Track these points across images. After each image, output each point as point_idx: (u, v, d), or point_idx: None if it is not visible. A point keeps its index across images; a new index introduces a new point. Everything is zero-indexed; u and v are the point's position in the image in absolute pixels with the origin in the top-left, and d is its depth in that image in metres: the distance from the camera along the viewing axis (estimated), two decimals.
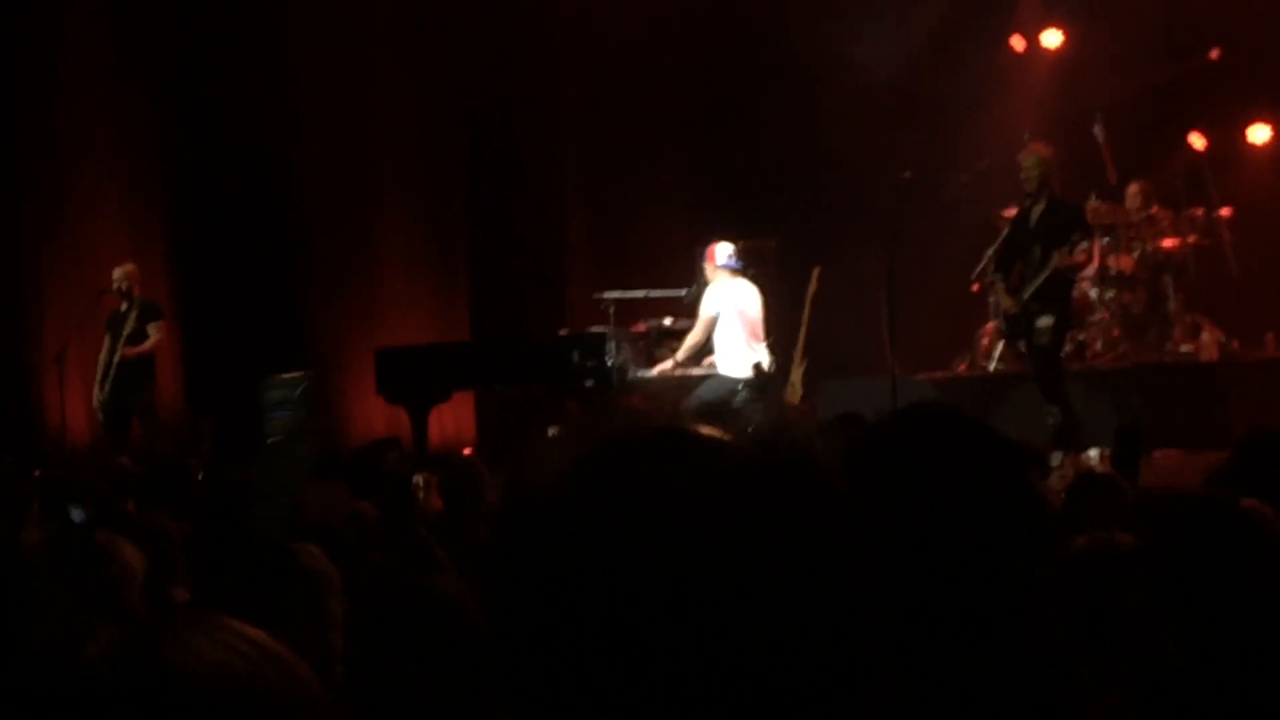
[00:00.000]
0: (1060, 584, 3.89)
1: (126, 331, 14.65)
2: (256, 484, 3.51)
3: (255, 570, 3.47)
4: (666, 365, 13.77)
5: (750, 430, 1.44)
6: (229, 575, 3.93)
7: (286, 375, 12.43)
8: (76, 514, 4.37)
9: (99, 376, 14.74)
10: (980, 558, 2.22)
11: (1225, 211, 15.76)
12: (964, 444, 2.32)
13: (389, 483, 7.76)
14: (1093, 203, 14.98)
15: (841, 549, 1.42)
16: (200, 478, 8.42)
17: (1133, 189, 15.50)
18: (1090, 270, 14.66)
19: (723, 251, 13.57)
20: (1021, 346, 12.86)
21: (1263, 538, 3.62)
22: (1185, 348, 15.10)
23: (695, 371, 13.68)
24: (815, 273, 14.97)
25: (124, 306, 14.79)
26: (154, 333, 14.80)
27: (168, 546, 5.47)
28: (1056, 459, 11.18)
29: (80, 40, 16.45)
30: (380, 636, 3.50)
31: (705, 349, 13.62)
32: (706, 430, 1.43)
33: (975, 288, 15.00)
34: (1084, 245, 12.50)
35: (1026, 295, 12.39)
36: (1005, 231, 13.22)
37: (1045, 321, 12.28)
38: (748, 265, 13.78)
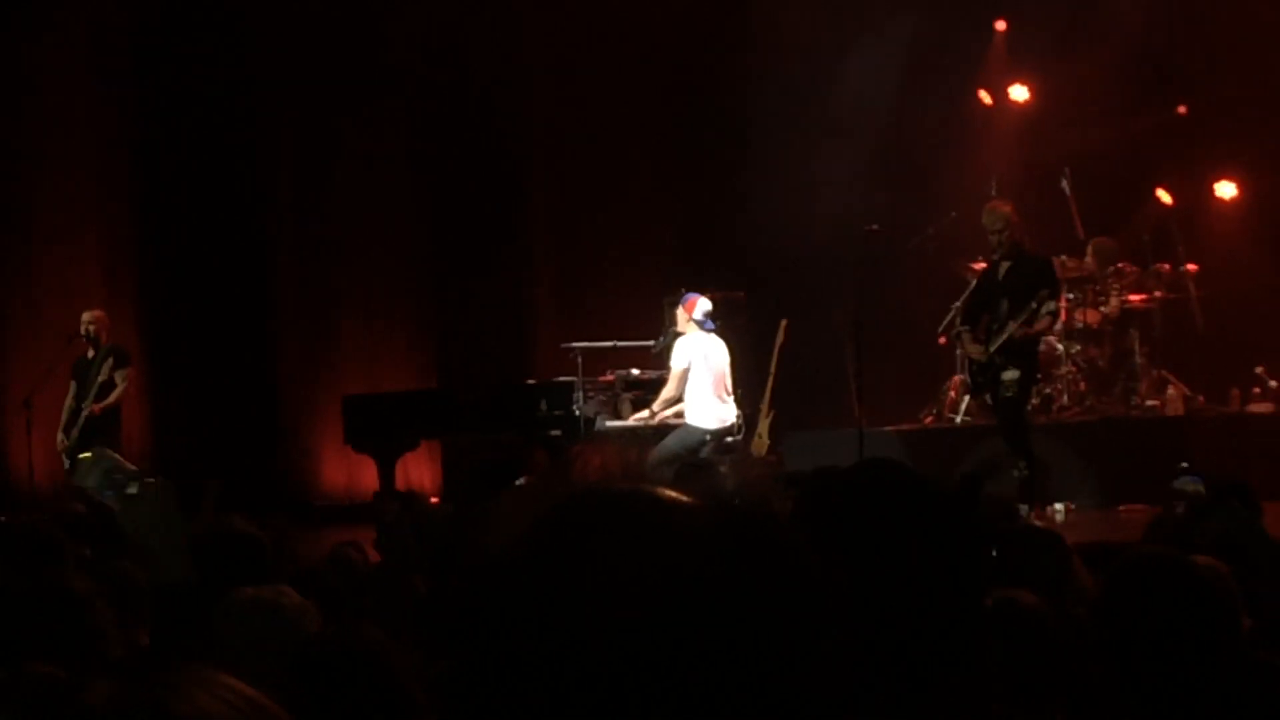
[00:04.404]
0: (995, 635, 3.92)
1: (100, 380, 14.56)
2: (138, 534, 3.49)
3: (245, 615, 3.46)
4: (643, 415, 13.77)
5: (714, 486, 1.45)
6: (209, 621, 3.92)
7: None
8: None
9: (63, 422, 14.67)
10: (915, 604, 2.25)
11: (1191, 267, 15.81)
12: (901, 495, 2.35)
13: (389, 533, 7.83)
14: (1060, 259, 15.02)
15: (802, 608, 1.42)
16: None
17: (1099, 244, 15.54)
18: (1057, 324, 14.68)
19: (701, 307, 13.54)
20: (988, 399, 12.87)
21: (1215, 594, 3.67)
22: (1151, 402, 15.14)
23: (664, 421, 13.67)
24: (783, 325, 14.98)
25: (90, 353, 14.73)
26: (121, 381, 14.70)
27: (135, 592, 5.46)
28: (1023, 512, 11.18)
29: (57, 82, 16.45)
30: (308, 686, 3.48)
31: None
32: (667, 491, 1.44)
33: (942, 340, 15.05)
34: (1050, 307, 12.43)
35: (993, 349, 12.39)
36: (973, 285, 13.25)
37: (1011, 375, 12.28)
38: (717, 318, 13.78)
